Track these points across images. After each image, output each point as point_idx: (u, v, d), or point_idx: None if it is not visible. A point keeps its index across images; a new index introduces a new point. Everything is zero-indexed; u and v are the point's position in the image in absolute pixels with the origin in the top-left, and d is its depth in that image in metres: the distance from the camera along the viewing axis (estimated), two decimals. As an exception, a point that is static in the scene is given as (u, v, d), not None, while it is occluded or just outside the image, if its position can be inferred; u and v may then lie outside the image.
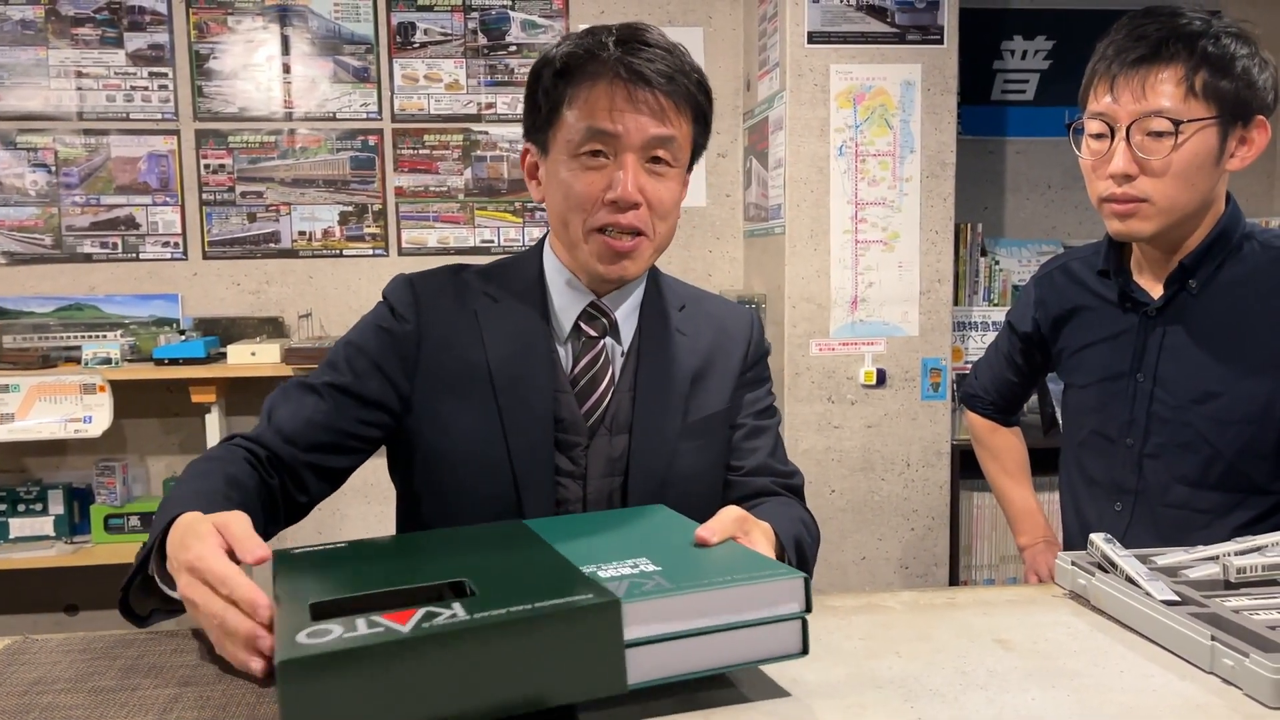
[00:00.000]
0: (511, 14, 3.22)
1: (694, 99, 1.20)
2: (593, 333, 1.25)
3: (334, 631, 0.72)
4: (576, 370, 1.24)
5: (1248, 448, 1.37)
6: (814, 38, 2.81)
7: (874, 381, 2.87)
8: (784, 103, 2.84)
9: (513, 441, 1.20)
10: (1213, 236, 1.40)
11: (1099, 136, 1.37)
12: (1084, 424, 1.55)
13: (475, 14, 3.20)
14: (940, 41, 2.84)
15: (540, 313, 1.25)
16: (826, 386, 2.89)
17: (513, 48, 3.22)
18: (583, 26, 1.22)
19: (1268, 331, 1.36)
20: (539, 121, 1.21)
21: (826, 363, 2.88)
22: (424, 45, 3.19)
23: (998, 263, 3.24)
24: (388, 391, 1.22)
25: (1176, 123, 1.30)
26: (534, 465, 1.20)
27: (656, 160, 1.18)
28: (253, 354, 2.92)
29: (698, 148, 1.26)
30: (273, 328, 3.16)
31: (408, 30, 3.18)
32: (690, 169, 1.27)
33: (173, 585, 0.91)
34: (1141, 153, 1.32)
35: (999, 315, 3.16)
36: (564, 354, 1.26)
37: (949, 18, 2.84)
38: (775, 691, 0.87)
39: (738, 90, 3.33)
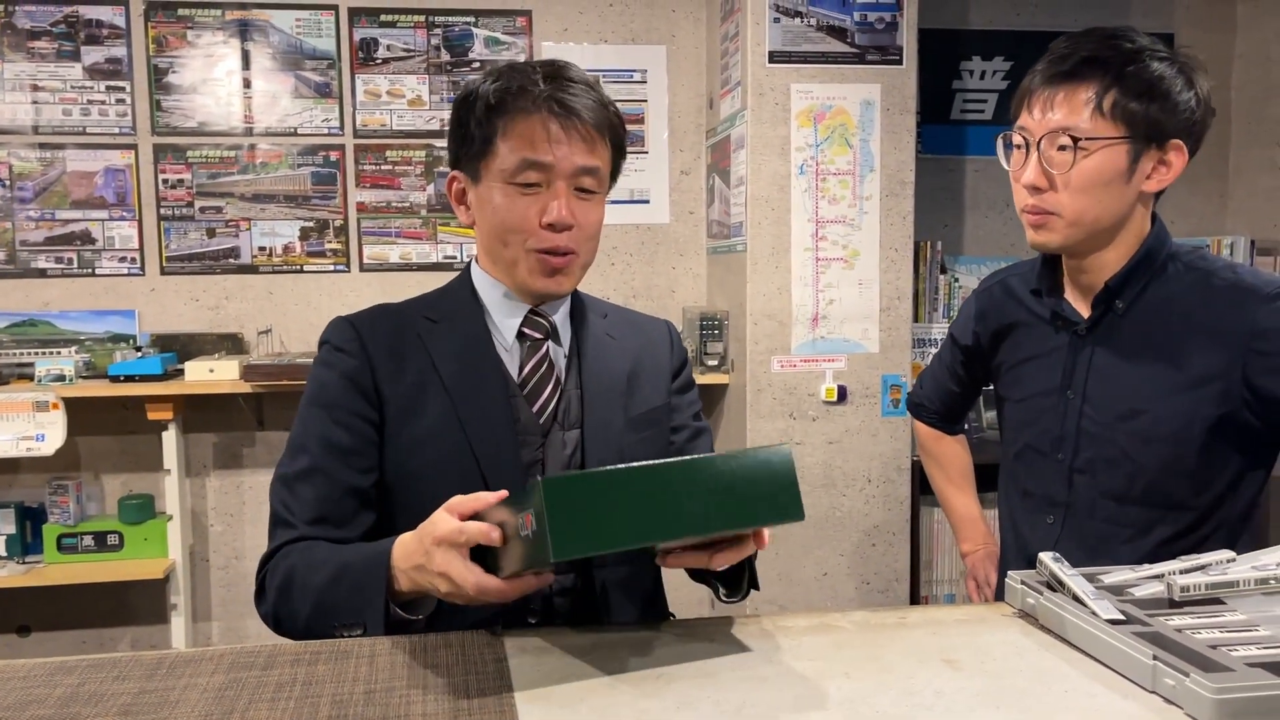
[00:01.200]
0: (475, 31, 3.22)
1: (615, 130, 1.31)
2: (537, 335, 1.33)
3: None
4: (524, 374, 1.31)
5: (1169, 465, 1.40)
6: (775, 57, 2.83)
7: (835, 398, 2.89)
8: (745, 121, 2.86)
9: (479, 449, 1.26)
10: (1137, 258, 1.43)
11: (1018, 148, 1.43)
12: (1019, 438, 1.58)
13: (438, 30, 3.20)
14: (899, 62, 2.87)
15: (480, 326, 1.33)
16: (788, 403, 2.90)
17: (476, 64, 3.22)
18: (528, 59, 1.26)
19: (1189, 352, 1.39)
20: (470, 152, 1.29)
21: (788, 379, 2.89)
22: (386, 61, 3.18)
23: (957, 280, 3.27)
24: (369, 430, 1.27)
25: (1075, 139, 1.35)
26: (502, 468, 1.26)
27: (582, 188, 1.28)
28: (211, 371, 2.88)
29: (615, 172, 1.35)
30: (232, 344, 3.13)
31: (370, 46, 3.17)
32: (610, 189, 1.37)
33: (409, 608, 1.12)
34: (1048, 166, 1.37)
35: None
36: (509, 360, 1.33)
37: (908, 38, 2.87)
38: (725, 716, 0.87)
39: (700, 108, 3.35)
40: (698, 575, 1.33)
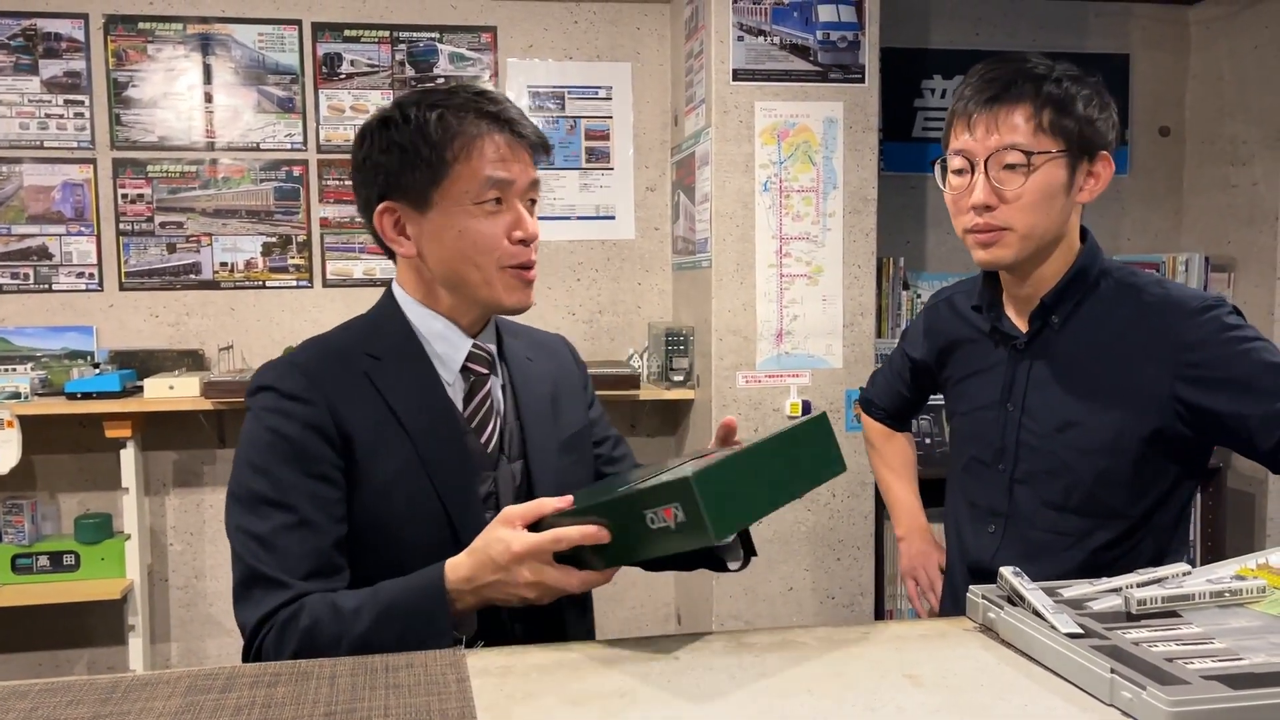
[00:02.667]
0: (440, 46, 3.22)
1: (546, 143, 1.32)
2: (482, 370, 1.33)
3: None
4: (470, 408, 1.31)
5: (1104, 475, 1.43)
6: (739, 75, 2.85)
7: (799, 413, 2.91)
8: (710, 138, 2.88)
9: (441, 487, 1.25)
10: (1071, 274, 1.47)
11: (960, 172, 1.45)
12: (965, 451, 1.62)
13: (403, 45, 3.20)
14: (861, 80, 2.91)
15: (425, 363, 1.30)
16: (753, 418, 2.91)
17: (441, 80, 3.22)
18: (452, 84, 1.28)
19: (1120, 366, 1.42)
20: (416, 179, 1.25)
21: (753, 394, 2.91)
22: (350, 76, 3.17)
23: (919, 296, 3.30)
24: (340, 478, 1.23)
25: (1029, 154, 1.38)
26: (466, 501, 1.26)
27: (532, 200, 1.30)
28: (171, 387, 2.85)
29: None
30: (192, 360, 3.10)
31: (334, 61, 3.16)
32: None
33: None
34: (998, 184, 1.40)
35: (921, 347, 3.22)
36: (454, 394, 1.32)
37: (870, 57, 2.91)
38: (686, 733, 0.87)
39: (665, 125, 3.36)
40: (703, 557, 1.33)
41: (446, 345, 1.31)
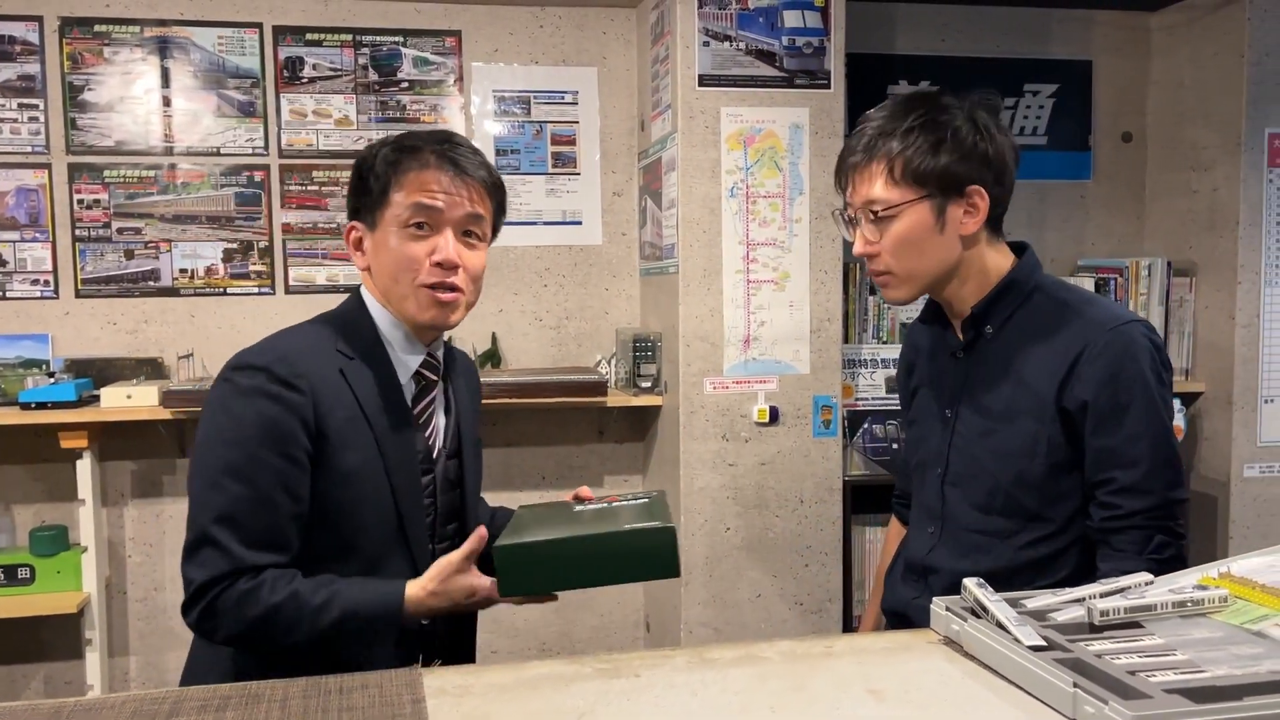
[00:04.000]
0: (404, 50, 3.18)
1: (497, 189, 1.50)
2: (433, 377, 1.52)
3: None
4: (418, 409, 1.50)
5: (1020, 479, 1.50)
6: (705, 80, 2.84)
7: (767, 419, 2.90)
8: (676, 144, 2.87)
9: (394, 479, 1.42)
10: (1000, 288, 1.54)
11: (850, 222, 1.57)
12: (914, 456, 1.72)
13: (366, 50, 3.16)
14: (827, 86, 2.91)
15: (388, 364, 1.47)
16: (720, 424, 2.90)
17: (405, 84, 3.19)
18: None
19: (1037, 376, 1.49)
20: (368, 203, 1.45)
21: (720, 401, 2.90)
22: (313, 80, 3.13)
23: (885, 301, 3.30)
24: (307, 462, 1.37)
25: (877, 210, 1.49)
26: (412, 494, 1.45)
27: (469, 234, 1.46)
28: (128, 396, 2.79)
29: (496, 227, 1.54)
30: (151, 369, 3.04)
31: (296, 65, 3.12)
32: (490, 243, 1.55)
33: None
34: (868, 236, 1.52)
35: (888, 353, 3.22)
36: (406, 393, 1.49)
37: (835, 63, 2.91)
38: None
39: (632, 130, 3.35)
40: None
41: (405, 350, 1.48)
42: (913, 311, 3.26)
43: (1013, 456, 1.50)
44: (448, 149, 1.44)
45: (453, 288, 1.43)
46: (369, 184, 1.44)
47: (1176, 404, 3.10)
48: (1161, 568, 1.38)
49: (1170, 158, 3.48)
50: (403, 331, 1.47)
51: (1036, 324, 1.52)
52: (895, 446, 3.21)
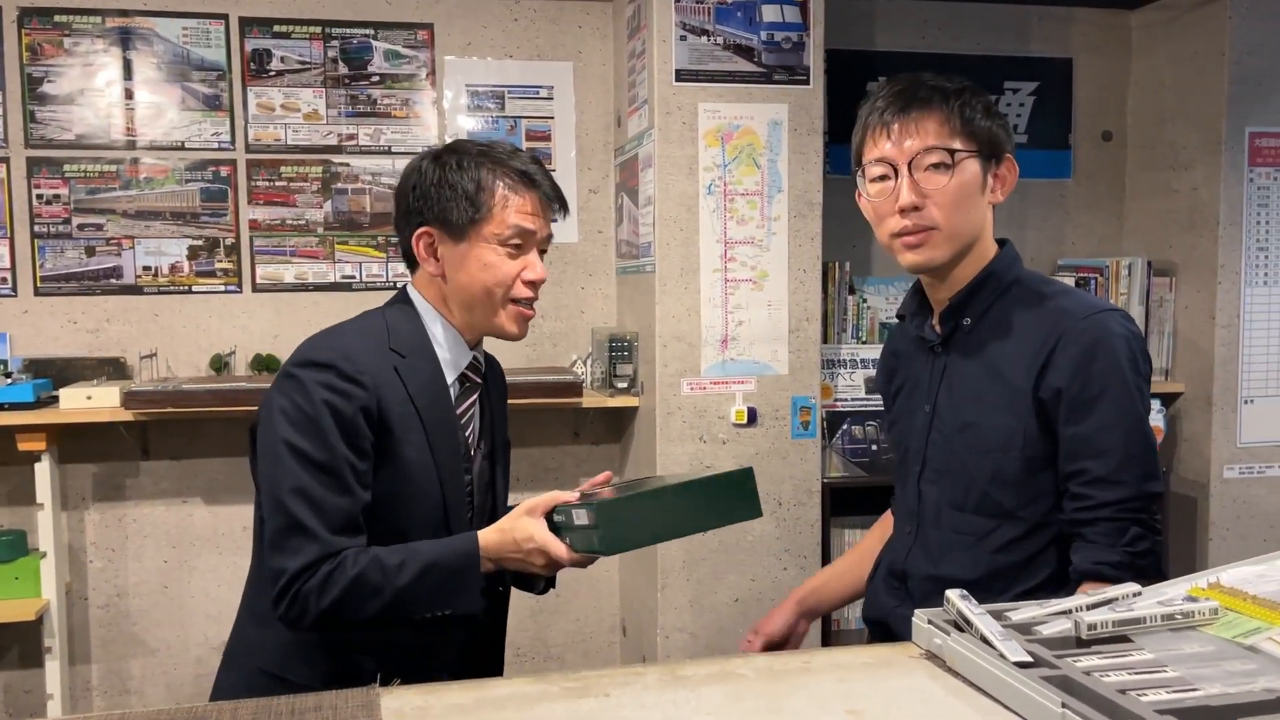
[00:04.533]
0: (374, 43, 3.12)
1: (563, 203, 1.60)
2: (477, 379, 1.61)
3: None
4: (460, 409, 1.58)
5: (995, 475, 1.47)
6: (682, 76, 2.79)
7: (745, 420, 2.85)
8: (653, 140, 2.81)
9: (441, 470, 1.51)
10: (981, 277, 1.52)
11: (882, 179, 1.49)
12: (896, 456, 1.69)
13: (335, 42, 3.09)
14: (806, 82, 2.86)
15: (437, 364, 1.54)
16: (698, 426, 2.85)
17: (375, 78, 3.12)
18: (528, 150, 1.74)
19: (1014, 369, 1.46)
20: (462, 217, 1.50)
21: (698, 402, 2.85)
22: (280, 74, 3.06)
23: (865, 300, 3.27)
24: (372, 454, 1.45)
25: (951, 152, 1.45)
26: (457, 489, 1.53)
27: (543, 251, 1.58)
28: (89, 397, 2.72)
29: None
30: (113, 369, 2.96)
31: (263, 57, 3.04)
32: None
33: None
34: (924, 184, 1.45)
35: (868, 353, 3.19)
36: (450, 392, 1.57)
37: (814, 58, 2.86)
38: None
39: (608, 126, 3.29)
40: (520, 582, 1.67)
41: (454, 353, 1.57)
42: (892, 309, 3.22)
43: (990, 451, 1.47)
44: (539, 174, 1.54)
45: (535, 301, 1.57)
46: (467, 195, 1.50)
47: (1156, 405, 3.08)
48: (1136, 560, 1.37)
49: (1150, 157, 3.46)
50: (454, 335, 1.56)
51: (1014, 316, 1.50)
52: (875, 448, 3.17)
